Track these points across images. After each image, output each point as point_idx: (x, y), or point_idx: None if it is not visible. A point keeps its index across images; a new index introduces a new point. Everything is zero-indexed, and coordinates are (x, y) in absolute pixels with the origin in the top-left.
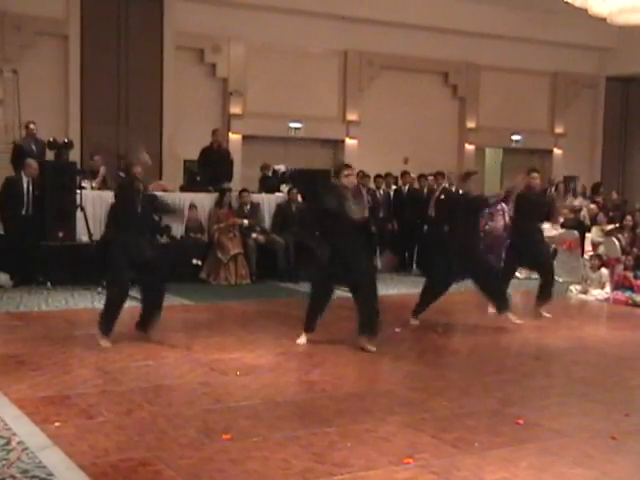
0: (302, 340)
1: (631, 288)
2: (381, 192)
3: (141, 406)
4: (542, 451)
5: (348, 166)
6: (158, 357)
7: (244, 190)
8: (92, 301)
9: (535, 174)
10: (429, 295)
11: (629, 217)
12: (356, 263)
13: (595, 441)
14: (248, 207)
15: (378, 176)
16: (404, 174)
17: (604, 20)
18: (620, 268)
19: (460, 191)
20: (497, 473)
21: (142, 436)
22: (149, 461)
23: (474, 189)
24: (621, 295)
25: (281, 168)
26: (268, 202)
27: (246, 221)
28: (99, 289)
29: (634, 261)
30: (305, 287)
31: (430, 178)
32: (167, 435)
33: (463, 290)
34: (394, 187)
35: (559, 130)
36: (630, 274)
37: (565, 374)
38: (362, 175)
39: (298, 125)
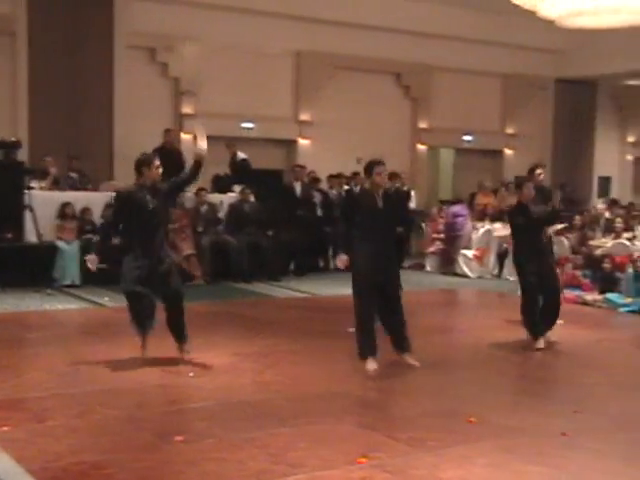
0: (371, 365)
1: (580, 287)
2: (334, 192)
3: (94, 409)
4: (496, 448)
5: (380, 162)
6: (111, 358)
7: (201, 189)
8: (42, 303)
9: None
10: None
11: (578, 217)
12: (393, 275)
13: (547, 438)
14: (205, 207)
15: (331, 176)
16: (356, 175)
17: (553, 22)
18: (569, 267)
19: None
20: (453, 471)
21: (95, 439)
22: (102, 464)
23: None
24: (570, 294)
25: (240, 155)
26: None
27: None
28: (48, 290)
29: (583, 260)
30: (259, 287)
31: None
32: (120, 438)
33: (417, 292)
34: (346, 187)
35: (510, 131)
36: (579, 273)
37: (517, 372)
38: (313, 177)
39: (251, 125)
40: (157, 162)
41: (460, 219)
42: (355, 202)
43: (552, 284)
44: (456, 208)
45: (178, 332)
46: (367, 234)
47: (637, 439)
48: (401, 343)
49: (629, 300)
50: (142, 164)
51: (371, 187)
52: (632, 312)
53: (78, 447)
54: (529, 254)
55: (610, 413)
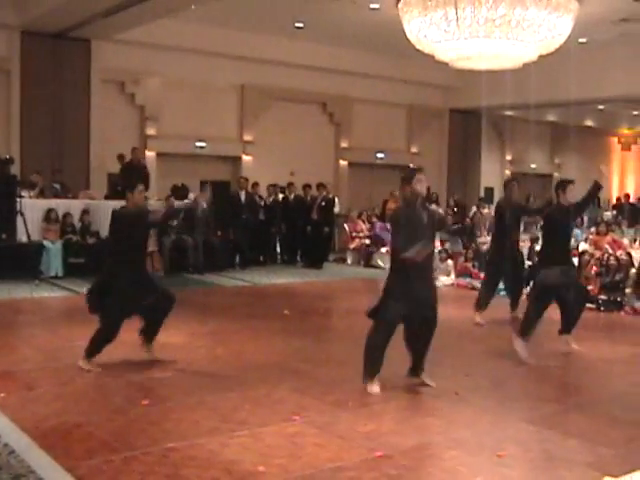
0: (375, 389)
1: (470, 275)
2: (271, 199)
3: (74, 379)
4: (401, 407)
5: (420, 170)
6: (88, 338)
7: (170, 196)
8: (31, 292)
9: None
10: None
11: (468, 219)
12: (428, 295)
13: (443, 397)
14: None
15: (271, 185)
16: (290, 185)
17: (447, 64)
18: (462, 260)
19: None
20: (368, 426)
21: (76, 404)
22: (82, 424)
23: None
24: (462, 281)
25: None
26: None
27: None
28: (36, 281)
29: (472, 254)
30: (211, 278)
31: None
32: (96, 403)
33: (339, 280)
34: (282, 195)
35: (414, 150)
36: (469, 264)
37: None
38: (253, 184)
39: (203, 144)
40: (141, 187)
41: (384, 232)
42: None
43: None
44: (383, 224)
45: (155, 333)
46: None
47: (509, 395)
48: (420, 366)
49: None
50: (127, 189)
51: (411, 196)
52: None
53: (62, 410)
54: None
55: (491, 375)
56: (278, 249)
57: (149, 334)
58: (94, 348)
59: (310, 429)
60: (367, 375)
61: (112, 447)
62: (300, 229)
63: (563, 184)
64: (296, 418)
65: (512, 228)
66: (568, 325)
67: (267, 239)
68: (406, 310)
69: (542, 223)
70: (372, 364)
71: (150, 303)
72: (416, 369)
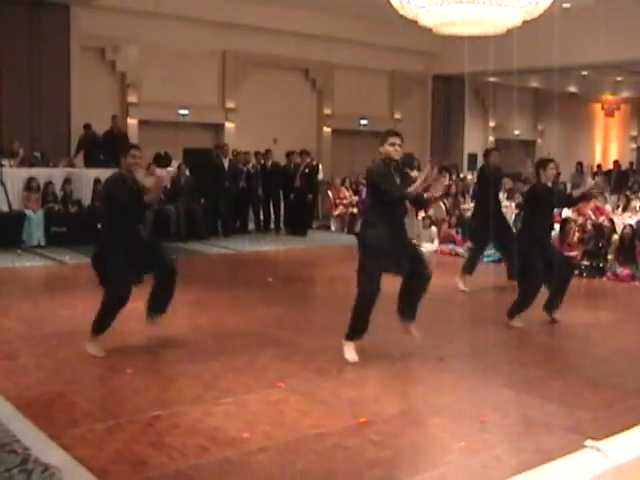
0: (351, 355)
1: (454, 242)
2: (250, 166)
3: (57, 348)
4: (384, 373)
5: (395, 133)
6: (71, 307)
7: (150, 164)
8: (13, 261)
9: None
10: None
11: (452, 186)
12: (413, 247)
13: (426, 364)
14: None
15: (256, 153)
16: (267, 152)
17: (430, 30)
18: (445, 226)
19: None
20: (350, 392)
21: (59, 373)
22: (65, 393)
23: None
24: (446, 248)
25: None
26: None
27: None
28: (18, 251)
29: (456, 221)
30: (194, 246)
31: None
32: (80, 372)
33: (322, 247)
34: (260, 162)
35: (397, 116)
36: (453, 231)
37: None
38: (237, 152)
39: (186, 112)
40: (134, 151)
41: None
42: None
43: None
44: None
45: (157, 305)
46: (387, 210)
47: (490, 361)
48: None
49: (491, 252)
50: (121, 154)
51: (385, 159)
52: (493, 262)
53: (45, 379)
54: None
55: (473, 342)
56: (261, 217)
57: (150, 305)
58: (99, 323)
59: (293, 396)
60: (349, 336)
61: (96, 416)
62: (279, 196)
63: (543, 163)
64: (280, 385)
65: (495, 193)
66: (553, 301)
67: (247, 207)
68: (388, 265)
69: (524, 200)
70: (355, 326)
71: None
72: (410, 312)
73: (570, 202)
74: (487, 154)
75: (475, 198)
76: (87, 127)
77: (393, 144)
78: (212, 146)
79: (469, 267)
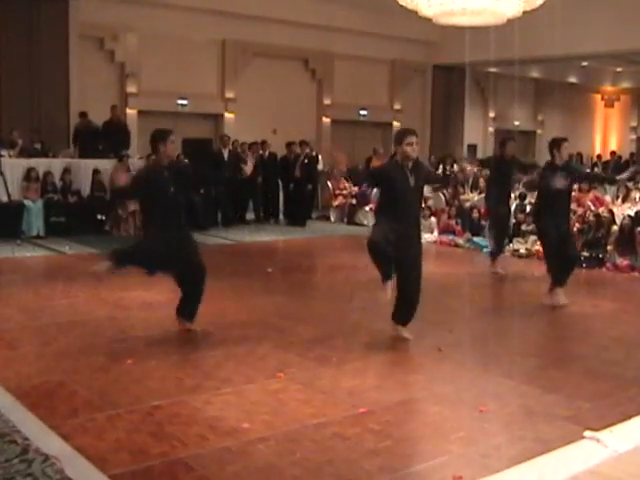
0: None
1: (453, 232)
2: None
3: (57, 338)
4: (385, 363)
5: (412, 132)
6: (70, 297)
7: (150, 155)
8: (13, 251)
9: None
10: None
11: (452, 176)
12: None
13: (426, 353)
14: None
15: (253, 143)
16: (263, 143)
17: (430, 20)
18: (445, 217)
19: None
20: (350, 381)
21: (59, 363)
22: (65, 383)
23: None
24: (445, 238)
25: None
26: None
27: None
28: (18, 241)
29: (455, 211)
30: (194, 236)
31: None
32: (80, 361)
33: (322, 237)
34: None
35: (397, 106)
36: (452, 221)
37: None
38: (236, 143)
39: (185, 102)
40: (173, 137)
41: (369, 190)
42: (385, 177)
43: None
44: None
45: (188, 308)
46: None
47: (490, 350)
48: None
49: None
50: (157, 139)
51: (401, 159)
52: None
53: (45, 369)
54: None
55: (473, 331)
56: (260, 207)
57: (181, 308)
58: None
59: (293, 385)
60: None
61: (96, 405)
62: (277, 187)
63: (557, 142)
64: (280, 375)
65: (507, 181)
66: (561, 276)
67: (247, 197)
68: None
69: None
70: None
71: (181, 271)
72: (401, 315)
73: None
74: (504, 143)
75: (488, 183)
76: (83, 115)
77: (411, 143)
78: (211, 136)
79: (496, 250)
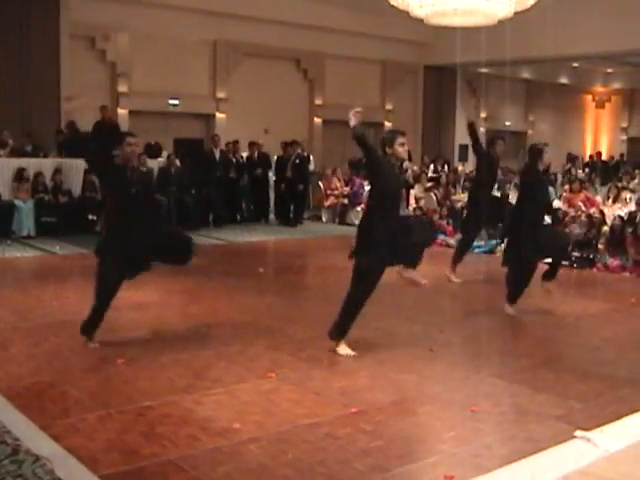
0: (346, 350)
1: (445, 232)
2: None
3: (48, 338)
4: (376, 363)
5: (402, 133)
6: (61, 297)
7: (141, 154)
8: (3, 252)
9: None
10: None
11: (444, 177)
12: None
13: (417, 353)
14: (144, 169)
15: (234, 142)
16: (251, 143)
17: (422, 20)
18: (436, 217)
19: None
20: (342, 382)
21: (50, 363)
22: (56, 383)
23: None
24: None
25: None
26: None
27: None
28: (8, 241)
29: (447, 211)
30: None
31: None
32: (70, 362)
33: (314, 238)
34: (246, 154)
35: (389, 107)
36: (444, 222)
37: (393, 302)
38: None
39: (176, 102)
40: (131, 139)
41: (361, 190)
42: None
43: None
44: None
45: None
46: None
47: (481, 351)
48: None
49: (482, 243)
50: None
51: (394, 160)
52: (484, 252)
53: (36, 370)
54: None
55: (464, 331)
56: (250, 207)
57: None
58: (91, 324)
59: (285, 386)
60: (339, 333)
61: (87, 406)
62: (267, 187)
63: (539, 149)
64: (271, 375)
65: (492, 182)
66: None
67: (239, 197)
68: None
69: (520, 186)
70: (348, 321)
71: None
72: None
73: None
74: (493, 142)
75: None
76: (70, 126)
77: (403, 144)
78: (202, 136)
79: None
